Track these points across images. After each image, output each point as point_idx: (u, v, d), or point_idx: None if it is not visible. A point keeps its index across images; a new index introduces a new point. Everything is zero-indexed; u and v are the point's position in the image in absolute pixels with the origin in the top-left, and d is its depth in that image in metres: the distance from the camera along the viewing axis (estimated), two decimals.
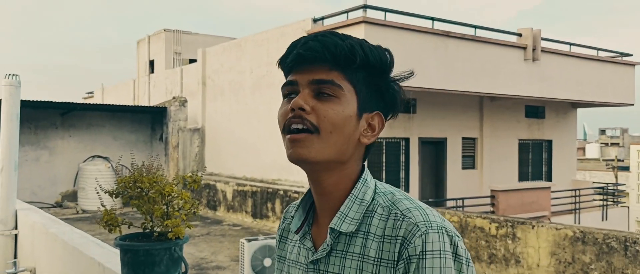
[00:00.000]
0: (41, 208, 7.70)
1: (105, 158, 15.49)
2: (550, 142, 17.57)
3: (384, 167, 13.84)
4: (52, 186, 15.51)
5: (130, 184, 2.16)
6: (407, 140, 14.21)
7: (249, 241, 7.84)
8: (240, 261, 7.92)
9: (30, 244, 4.13)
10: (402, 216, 1.00)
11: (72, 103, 15.94)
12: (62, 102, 15.18)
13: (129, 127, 16.71)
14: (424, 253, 0.95)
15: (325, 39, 1.03)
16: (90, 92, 28.53)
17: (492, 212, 13.47)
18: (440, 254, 0.96)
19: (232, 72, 15.27)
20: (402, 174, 14.23)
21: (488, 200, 14.05)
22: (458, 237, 1.01)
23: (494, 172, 15.61)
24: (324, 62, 1.02)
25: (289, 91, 1.06)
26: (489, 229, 8.45)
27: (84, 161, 15.39)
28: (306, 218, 1.14)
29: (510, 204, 13.49)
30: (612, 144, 52.14)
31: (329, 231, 1.05)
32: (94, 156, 15.68)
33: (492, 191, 14.02)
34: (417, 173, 14.32)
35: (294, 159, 1.03)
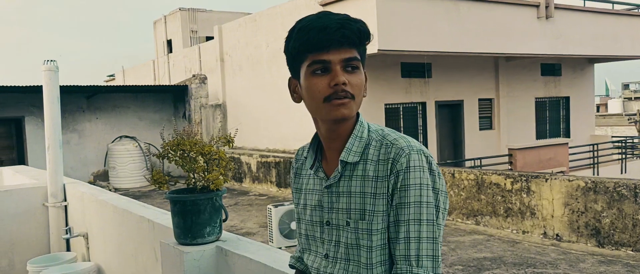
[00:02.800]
0: None
1: (133, 138, 16.02)
2: (567, 99, 17.64)
3: (402, 132, 14.13)
4: (84, 167, 16.14)
5: (174, 147, 2.55)
6: (423, 104, 14.45)
7: (276, 206, 8.30)
8: (268, 226, 8.40)
9: (80, 213, 4.59)
10: (392, 144, 1.35)
11: (97, 86, 16.47)
12: (87, 86, 15.69)
13: (153, 107, 17.21)
14: (408, 167, 1.31)
15: (352, 26, 1.34)
16: (112, 75, 29.13)
17: (510, 170, 13.73)
18: (419, 168, 1.31)
19: (249, 47, 15.60)
20: (420, 138, 14.51)
21: (506, 159, 14.30)
22: (432, 158, 1.37)
23: (511, 132, 15.80)
24: (350, 45, 1.35)
25: (318, 68, 1.36)
26: (505, 184, 8.75)
27: (112, 142, 15.95)
28: (316, 157, 1.50)
29: (527, 162, 13.74)
30: (636, 98, 51.41)
31: (340, 162, 1.41)
32: (121, 137, 16.22)
33: (509, 149, 14.26)
34: (435, 136, 14.59)
35: (339, 118, 1.35)
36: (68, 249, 4.87)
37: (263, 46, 14.97)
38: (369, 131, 1.42)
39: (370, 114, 13.38)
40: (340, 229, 1.41)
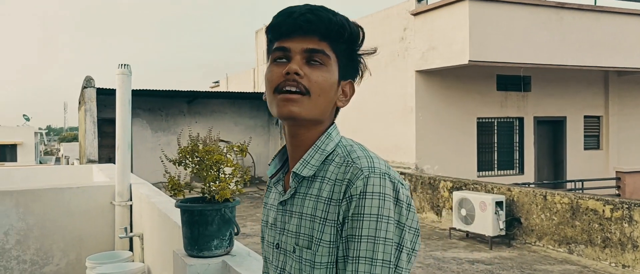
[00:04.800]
0: None
1: (227, 142, 16.53)
2: None
3: (495, 148, 13.39)
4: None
5: (189, 154, 2.48)
6: (520, 119, 13.59)
7: None
8: None
9: (139, 214, 4.72)
10: (352, 163, 1.13)
11: (197, 91, 17.24)
12: (188, 91, 16.48)
13: (248, 113, 17.73)
14: (364, 193, 1.07)
15: (321, 13, 1.15)
16: (217, 82, 30.52)
17: (618, 195, 12.48)
18: (379, 196, 1.07)
19: None
20: (516, 155, 13.66)
21: (613, 183, 13.03)
22: (402, 184, 1.13)
23: (621, 153, 14.41)
24: (316, 33, 1.16)
25: (279, 56, 1.18)
26: (603, 211, 7.92)
27: None
28: (282, 166, 1.31)
29: (638, 187, 12.40)
30: None
31: (291, 175, 1.21)
32: (218, 139, 16.84)
33: (617, 172, 12.98)
34: (532, 154, 13.66)
35: (284, 115, 1.15)
36: (131, 248, 5.02)
37: None
38: (338, 144, 1.21)
39: (461, 128, 12.80)
40: (287, 255, 1.21)
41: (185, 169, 2.48)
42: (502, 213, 8.85)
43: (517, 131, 13.65)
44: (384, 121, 13.40)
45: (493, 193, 9.34)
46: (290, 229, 1.21)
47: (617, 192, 12.73)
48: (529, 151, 13.64)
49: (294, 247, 1.19)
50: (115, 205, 5.08)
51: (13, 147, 36.93)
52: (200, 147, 2.41)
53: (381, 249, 1.06)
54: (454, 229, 9.50)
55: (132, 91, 4.87)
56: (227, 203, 2.38)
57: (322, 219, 1.13)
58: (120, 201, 5.06)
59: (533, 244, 8.90)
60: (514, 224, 9.10)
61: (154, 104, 17.15)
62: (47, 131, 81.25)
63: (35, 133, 39.52)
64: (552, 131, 14.05)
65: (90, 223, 5.10)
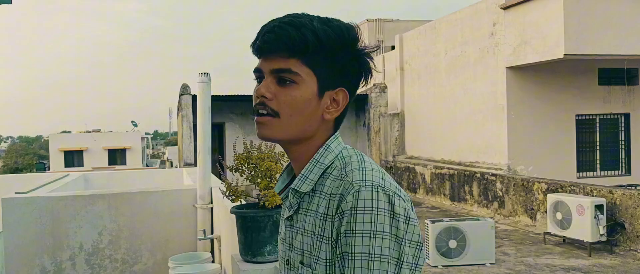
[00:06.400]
0: None
1: None
2: None
3: (597, 147, 12.48)
4: None
5: (244, 161, 2.51)
6: (627, 116, 12.56)
7: (433, 222, 7.90)
8: (424, 242, 8.04)
9: (218, 216, 4.88)
10: (345, 176, 1.09)
11: None
12: None
13: None
14: (355, 208, 1.03)
15: (281, 31, 1.12)
16: None
17: None
18: (371, 210, 1.03)
19: (428, 55, 15.24)
20: (622, 154, 12.64)
21: None
22: (398, 196, 1.07)
23: None
24: (281, 52, 1.12)
25: (257, 76, 1.18)
26: None
27: None
28: (290, 181, 1.29)
29: None
30: None
31: (290, 191, 1.18)
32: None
33: None
34: None
35: (259, 137, 1.18)
36: (212, 249, 5.20)
37: (442, 54, 14.49)
38: (337, 157, 1.16)
39: (557, 126, 12.06)
40: (295, 272, 1.19)
41: (241, 176, 2.52)
42: (603, 217, 8.21)
43: (623, 128, 12.63)
44: (473, 120, 12.93)
45: (592, 196, 8.69)
46: (296, 246, 1.19)
47: None
48: (636, 149, 12.57)
49: (299, 265, 1.16)
50: (197, 208, 5.29)
51: (123, 151, 39.83)
52: (255, 154, 2.44)
53: (377, 266, 1.01)
54: (549, 234, 8.95)
55: (226, 96, 5.11)
56: (279, 209, 2.38)
57: (319, 236, 1.11)
58: (202, 204, 5.26)
59: (638, 251, 8.18)
60: (616, 230, 8.41)
61: (246, 108, 17.74)
62: (153, 135, 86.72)
63: (142, 138, 42.34)
64: None
65: (174, 224, 5.35)
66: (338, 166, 1.14)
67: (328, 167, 1.15)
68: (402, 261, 1.03)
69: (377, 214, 1.03)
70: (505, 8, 11.58)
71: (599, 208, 8.26)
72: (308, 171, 1.16)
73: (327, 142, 1.18)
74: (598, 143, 12.48)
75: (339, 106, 1.17)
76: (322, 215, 1.11)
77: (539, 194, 9.83)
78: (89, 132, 48.13)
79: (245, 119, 17.88)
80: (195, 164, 14.27)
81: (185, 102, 14.92)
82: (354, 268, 1.02)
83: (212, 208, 5.27)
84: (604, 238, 8.23)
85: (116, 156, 39.61)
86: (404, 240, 1.04)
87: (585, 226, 8.22)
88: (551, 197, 8.92)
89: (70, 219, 5.13)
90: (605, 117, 12.50)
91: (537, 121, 11.87)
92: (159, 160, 49.50)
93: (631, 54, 10.67)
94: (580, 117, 12.35)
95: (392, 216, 1.04)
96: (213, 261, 4.86)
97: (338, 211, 1.06)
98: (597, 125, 12.47)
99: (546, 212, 9.21)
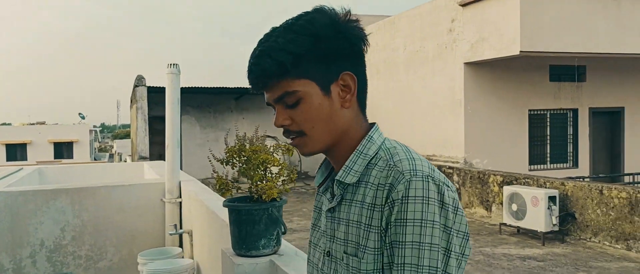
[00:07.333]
0: None
1: (274, 137, 16.62)
2: None
3: (548, 141, 12.97)
4: None
5: (236, 154, 2.47)
6: (575, 111, 13.11)
7: None
8: None
9: (188, 211, 4.79)
10: (394, 166, 1.09)
11: (244, 88, 17.41)
12: (235, 88, 16.68)
13: None
14: (406, 197, 1.04)
15: (257, 68, 1.13)
16: None
17: None
18: (422, 200, 1.03)
19: (387, 50, 15.41)
20: (570, 148, 13.19)
21: None
22: (447, 186, 1.08)
23: None
24: (269, 82, 1.13)
25: (271, 106, 1.21)
26: None
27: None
28: (329, 174, 1.28)
29: None
30: None
31: (335, 182, 1.19)
32: (265, 136, 17.02)
33: None
34: (587, 147, 13.16)
35: (304, 155, 1.23)
36: (181, 244, 5.10)
37: (400, 49, 14.69)
38: (380, 147, 1.17)
39: (511, 121, 12.46)
40: (338, 263, 1.19)
41: (233, 169, 2.48)
42: (555, 208, 8.56)
43: (571, 123, 13.18)
44: (431, 114, 13.18)
45: (546, 188, 9.04)
46: (339, 237, 1.18)
47: None
48: (583, 143, 13.15)
49: (342, 255, 1.17)
50: (165, 202, 5.17)
51: (69, 144, 38.46)
52: (247, 146, 2.40)
53: (427, 255, 1.02)
54: (505, 224, 9.26)
55: (182, 88, 4.98)
56: (274, 202, 2.36)
57: (366, 226, 1.11)
58: (170, 198, 5.15)
59: (588, 240, 8.57)
60: (567, 220, 8.79)
61: (202, 101, 17.45)
62: (101, 128, 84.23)
63: (90, 131, 41.01)
64: (608, 122, 13.49)
65: (141, 219, 5.21)
66: (383, 156, 1.14)
67: (372, 158, 1.16)
68: (451, 251, 1.05)
69: (428, 203, 1.03)
70: (464, 5, 11.84)
71: (552, 199, 8.60)
72: (352, 163, 1.16)
73: (369, 134, 1.18)
74: (548, 137, 12.98)
75: (351, 89, 1.16)
76: (370, 205, 1.11)
77: (494, 186, 10.14)
78: (33, 124, 46.17)
79: (201, 112, 17.60)
80: (150, 158, 13.96)
81: (140, 95, 14.53)
82: (405, 255, 1.03)
83: (180, 202, 5.17)
84: (556, 228, 8.58)
85: (62, 150, 38.21)
86: (452, 230, 1.06)
87: (539, 216, 8.55)
88: (507, 189, 9.22)
89: (31, 215, 4.92)
90: (555, 112, 13.00)
91: (493, 116, 12.23)
92: (107, 154, 48.12)
93: (581, 52, 11.13)
94: (532, 112, 12.80)
95: (441, 205, 1.05)
96: (183, 257, 4.77)
97: (388, 201, 1.06)
98: (548, 120, 12.95)
99: (501, 203, 9.52)
